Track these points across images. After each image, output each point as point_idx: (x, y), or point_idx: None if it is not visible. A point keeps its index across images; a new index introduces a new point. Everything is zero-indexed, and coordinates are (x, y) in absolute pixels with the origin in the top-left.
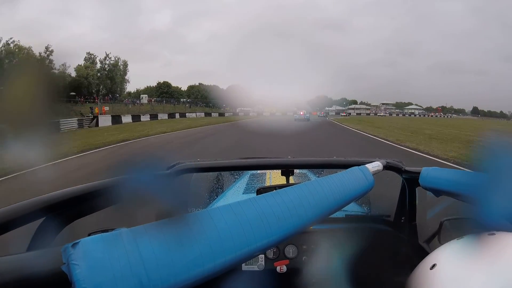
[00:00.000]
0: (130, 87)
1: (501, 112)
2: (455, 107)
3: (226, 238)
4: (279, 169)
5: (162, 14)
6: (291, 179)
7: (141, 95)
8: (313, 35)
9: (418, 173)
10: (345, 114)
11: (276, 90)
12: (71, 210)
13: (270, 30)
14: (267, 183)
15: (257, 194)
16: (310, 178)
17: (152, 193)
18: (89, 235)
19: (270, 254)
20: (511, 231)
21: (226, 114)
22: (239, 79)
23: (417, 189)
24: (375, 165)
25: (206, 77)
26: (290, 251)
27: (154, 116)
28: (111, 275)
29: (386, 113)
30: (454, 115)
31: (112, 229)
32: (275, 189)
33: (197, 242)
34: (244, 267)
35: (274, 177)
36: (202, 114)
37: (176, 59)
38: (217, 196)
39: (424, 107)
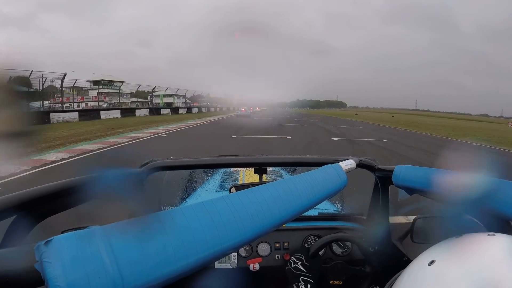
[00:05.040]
0: None
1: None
2: None
3: (199, 236)
4: (252, 167)
5: None
6: (264, 177)
7: None
8: None
9: (391, 171)
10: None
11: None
12: (43, 207)
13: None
14: (241, 181)
15: (230, 192)
16: (283, 176)
17: (124, 190)
18: (62, 233)
19: (243, 252)
20: (480, 230)
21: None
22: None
23: (390, 187)
24: (348, 163)
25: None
26: (263, 249)
27: None
28: (84, 273)
29: None
30: None
31: (85, 227)
32: (249, 187)
33: (170, 240)
34: (217, 265)
35: (247, 175)
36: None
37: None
38: (190, 194)
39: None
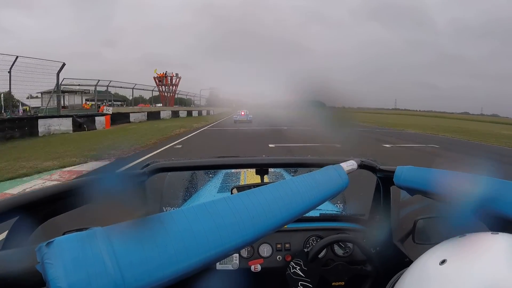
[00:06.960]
0: None
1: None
2: None
3: (201, 237)
4: (254, 168)
5: None
6: (266, 178)
7: None
8: None
9: (393, 172)
10: None
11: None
12: (45, 209)
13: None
14: (242, 182)
15: (231, 193)
16: (284, 177)
17: (126, 192)
18: (63, 234)
19: (245, 253)
20: (482, 230)
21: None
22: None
23: (392, 188)
24: (349, 164)
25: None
26: (265, 250)
27: None
28: (86, 274)
29: None
30: None
31: (87, 228)
32: (250, 188)
33: (171, 241)
34: (219, 266)
35: (249, 176)
36: None
37: None
38: (191, 195)
39: None
